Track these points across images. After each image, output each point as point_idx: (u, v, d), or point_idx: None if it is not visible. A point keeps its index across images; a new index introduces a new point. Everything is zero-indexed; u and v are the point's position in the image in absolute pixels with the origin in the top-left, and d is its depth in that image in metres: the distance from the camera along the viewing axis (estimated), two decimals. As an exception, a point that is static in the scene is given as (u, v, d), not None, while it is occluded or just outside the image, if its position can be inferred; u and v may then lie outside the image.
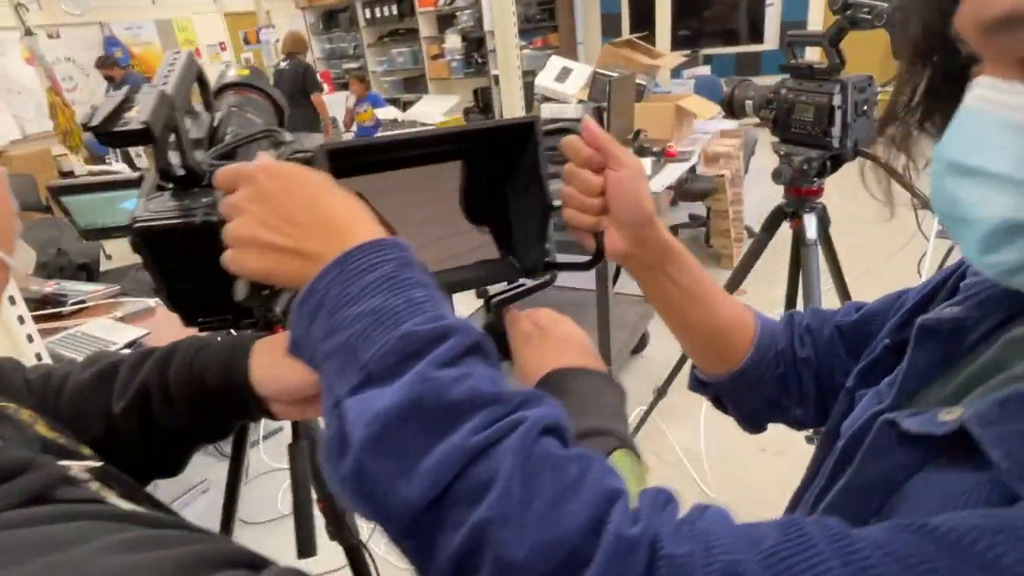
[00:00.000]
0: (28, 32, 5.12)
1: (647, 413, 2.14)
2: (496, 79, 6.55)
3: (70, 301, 2.12)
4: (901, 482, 0.38)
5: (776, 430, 0.69)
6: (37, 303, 2.12)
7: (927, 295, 0.51)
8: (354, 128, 6.08)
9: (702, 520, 0.35)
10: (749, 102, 1.43)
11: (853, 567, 0.29)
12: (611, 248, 0.58)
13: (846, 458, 0.44)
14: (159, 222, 0.59)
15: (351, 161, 0.56)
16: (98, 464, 0.44)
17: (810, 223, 1.42)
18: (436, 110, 5.49)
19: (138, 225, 0.59)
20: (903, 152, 0.46)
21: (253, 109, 0.81)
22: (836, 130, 1.25)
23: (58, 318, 2.07)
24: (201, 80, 0.70)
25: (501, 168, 0.61)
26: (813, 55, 1.61)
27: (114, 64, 5.98)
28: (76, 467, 0.41)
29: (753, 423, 0.70)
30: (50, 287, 2.24)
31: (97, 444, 0.56)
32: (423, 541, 0.35)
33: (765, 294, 2.36)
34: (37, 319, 2.02)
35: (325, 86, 5.80)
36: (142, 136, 0.53)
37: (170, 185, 0.63)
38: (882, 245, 2.93)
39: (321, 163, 0.51)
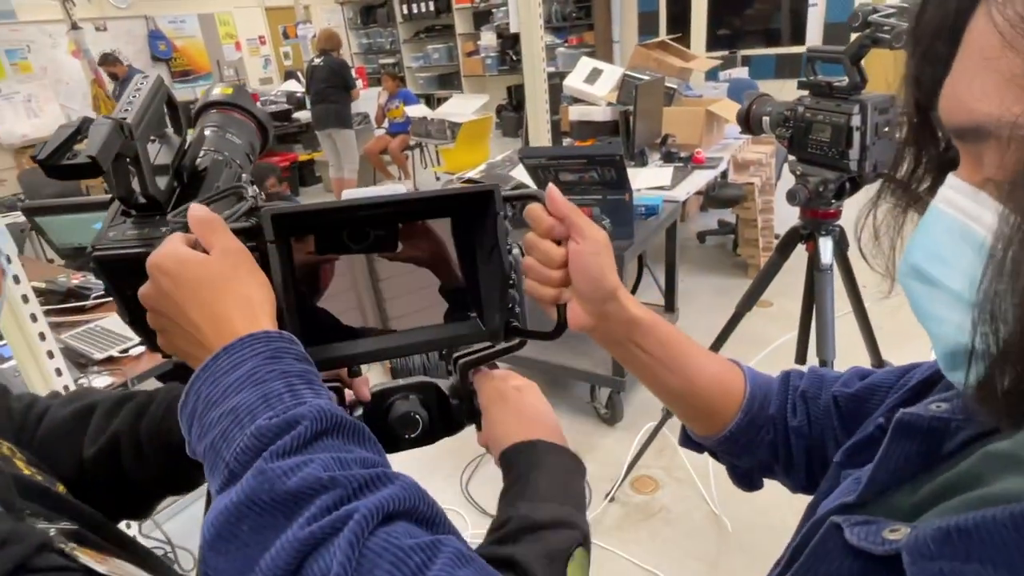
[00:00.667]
0: (74, 26, 5.27)
1: (656, 429, 2.09)
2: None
3: (92, 295, 2.17)
4: None
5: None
6: (62, 296, 2.18)
7: (932, 376, 0.47)
8: (385, 124, 6.12)
9: None
10: (766, 118, 1.37)
11: None
12: (574, 321, 0.56)
13: (798, 551, 0.41)
14: (117, 251, 0.58)
15: (318, 221, 0.54)
16: (73, 528, 0.45)
17: (825, 247, 1.36)
18: (466, 109, 5.48)
19: (96, 254, 0.58)
20: (907, 214, 0.42)
21: (234, 128, 0.79)
22: (854, 152, 1.18)
23: (80, 312, 2.13)
24: (171, 103, 0.69)
25: (471, 231, 0.59)
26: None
27: (116, 62, 6.02)
28: (55, 532, 0.42)
29: (746, 483, 0.67)
30: (76, 280, 2.30)
31: (68, 482, 0.57)
32: None
33: (790, 307, 2.29)
34: (59, 312, 2.09)
35: (359, 82, 5.83)
36: (89, 170, 0.53)
37: (133, 212, 0.62)
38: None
39: (266, 227, 0.49)
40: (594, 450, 2.45)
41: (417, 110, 5.89)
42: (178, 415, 0.43)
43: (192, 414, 0.41)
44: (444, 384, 0.62)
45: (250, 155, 0.80)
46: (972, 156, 0.31)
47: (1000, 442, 0.35)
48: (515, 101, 8.22)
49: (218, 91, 0.83)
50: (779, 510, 2.05)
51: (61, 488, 0.55)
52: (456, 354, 0.62)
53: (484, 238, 0.56)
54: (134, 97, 0.63)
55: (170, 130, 0.70)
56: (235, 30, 8.39)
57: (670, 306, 2.98)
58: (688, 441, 0.68)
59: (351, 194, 0.71)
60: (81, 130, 0.55)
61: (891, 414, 0.46)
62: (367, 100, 6.19)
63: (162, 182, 0.64)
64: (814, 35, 6.79)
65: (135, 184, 0.62)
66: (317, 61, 5.40)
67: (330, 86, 5.30)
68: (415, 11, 9.06)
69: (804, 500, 0.54)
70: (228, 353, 0.41)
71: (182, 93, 7.54)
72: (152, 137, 0.67)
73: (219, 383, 0.40)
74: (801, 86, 1.30)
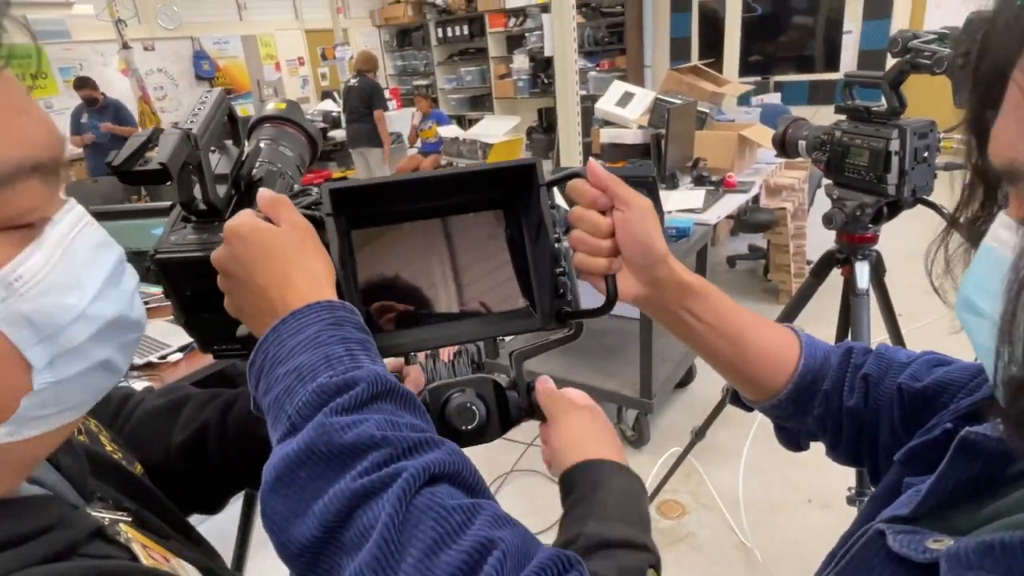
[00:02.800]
0: (125, 46, 5.52)
1: (683, 455, 2.06)
2: (560, 100, 6.58)
3: (135, 302, 2.24)
4: None
5: (826, 481, 0.63)
6: (105, 302, 2.25)
7: None
8: (418, 143, 6.23)
9: None
10: (802, 143, 1.37)
11: None
12: (624, 292, 0.56)
13: (839, 554, 0.41)
14: (177, 254, 0.61)
15: (372, 207, 0.56)
16: (127, 517, 0.46)
17: (862, 272, 1.34)
18: (497, 130, 5.55)
19: (158, 256, 0.61)
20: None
21: (287, 142, 0.83)
22: (892, 177, 1.18)
23: (122, 318, 2.19)
24: (231, 117, 0.72)
25: (518, 214, 0.60)
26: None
27: (94, 87, 5.87)
28: (108, 519, 0.44)
29: (792, 445, 0.67)
30: (119, 287, 2.37)
31: (151, 469, 0.60)
32: None
33: (824, 333, 2.25)
34: (103, 318, 2.16)
35: (393, 102, 5.95)
36: (160, 176, 0.56)
37: (193, 218, 0.65)
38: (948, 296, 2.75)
39: (324, 200, 0.52)
40: (620, 472, 2.42)
41: (450, 130, 5.98)
42: (247, 373, 0.45)
43: (260, 371, 0.44)
44: (501, 379, 0.62)
45: (300, 167, 0.84)
46: (1015, 195, 0.32)
47: None
48: (545, 123, 8.30)
49: (272, 106, 0.87)
50: (810, 541, 2.00)
51: (139, 469, 0.58)
52: (511, 348, 0.63)
53: (530, 217, 0.57)
54: (199, 109, 0.66)
55: (229, 142, 0.74)
56: (276, 51, 8.66)
57: (699, 329, 2.94)
58: (736, 399, 0.68)
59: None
60: (152, 139, 0.58)
61: (961, 421, 0.45)
62: (401, 120, 6.31)
63: (220, 190, 0.68)
64: (848, 62, 6.75)
65: (196, 192, 0.65)
66: (352, 81, 5.54)
67: (364, 106, 5.43)
68: (450, 35, 9.26)
69: (837, 532, 0.53)
70: (295, 317, 0.44)
71: (223, 111, 7.77)
72: (212, 148, 0.71)
73: (285, 344, 0.43)
74: (838, 110, 1.30)
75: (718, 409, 1.90)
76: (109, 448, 0.55)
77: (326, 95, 8.24)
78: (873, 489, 0.52)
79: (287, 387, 0.41)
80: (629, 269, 0.56)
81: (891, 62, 1.20)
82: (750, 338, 0.60)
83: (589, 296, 0.58)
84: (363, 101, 5.41)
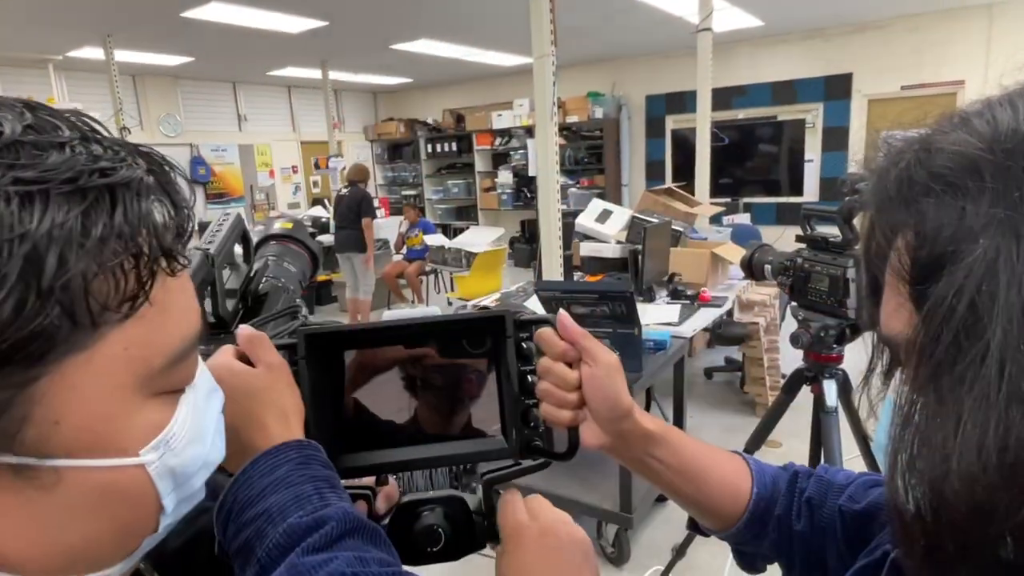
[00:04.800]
0: (126, 151, 5.75)
1: (664, 574, 2.01)
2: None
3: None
4: None
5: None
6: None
7: None
8: (404, 250, 6.41)
9: None
10: (768, 267, 1.47)
11: None
12: (591, 440, 0.58)
13: None
14: None
15: (348, 340, 0.58)
16: None
17: (830, 390, 1.40)
18: (482, 240, 5.75)
19: None
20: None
21: (290, 258, 0.89)
22: (852, 301, 1.27)
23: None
24: (245, 238, 0.78)
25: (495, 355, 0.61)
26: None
27: None
28: None
29: (750, 567, 0.68)
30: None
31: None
32: None
33: (800, 448, 2.27)
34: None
35: (382, 211, 6.19)
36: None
37: (200, 330, 0.70)
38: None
39: (300, 345, 0.55)
40: (600, 593, 2.33)
41: (435, 239, 6.19)
42: (215, 515, 0.46)
43: (228, 514, 0.45)
44: (472, 499, 0.62)
45: (302, 281, 0.89)
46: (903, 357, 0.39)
47: None
48: (528, 234, 8.62)
49: (278, 226, 0.94)
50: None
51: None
52: (482, 471, 0.64)
53: (502, 360, 0.59)
54: (217, 230, 0.72)
55: (239, 259, 0.80)
56: (271, 159, 9.03)
57: (678, 442, 2.94)
58: (695, 526, 0.69)
59: (390, 315, 0.74)
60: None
61: None
62: (389, 227, 6.54)
63: (229, 303, 0.73)
64: (811, 187, 7.22)
65: (206, 305, 0.70)
66: (344, 191, 5.78)
67: (353, 214, 5.64)
68: (439, 150, 9.80)
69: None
70: (266, 458, 0.46)
71: (214, 214, 7.99)
72: (225, 264, 0.77)
73: (255, 485, 0.45)
74: (799, 239, 1.42)
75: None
76: None
77: (317, 201, 8.52)
78: None
79: (257, 529, 0.43)
80: (595, 420, 0.57)
81: (847, 199, 1.32)
82: (706, 474, 0.63)
83: (557, 436, 0.61)
84: (353, 210, 5.62)
